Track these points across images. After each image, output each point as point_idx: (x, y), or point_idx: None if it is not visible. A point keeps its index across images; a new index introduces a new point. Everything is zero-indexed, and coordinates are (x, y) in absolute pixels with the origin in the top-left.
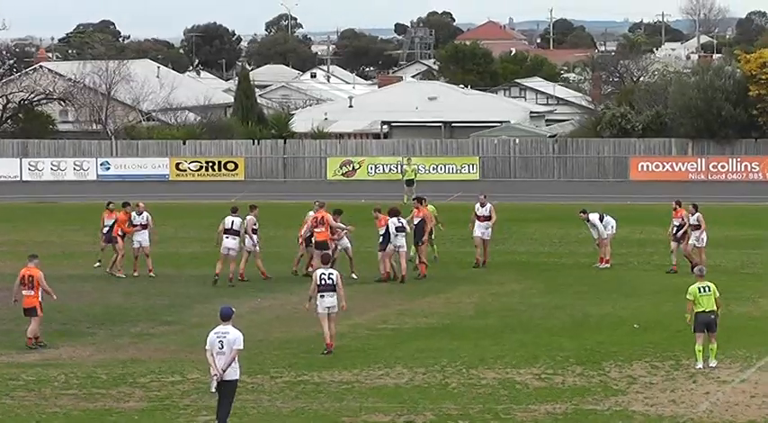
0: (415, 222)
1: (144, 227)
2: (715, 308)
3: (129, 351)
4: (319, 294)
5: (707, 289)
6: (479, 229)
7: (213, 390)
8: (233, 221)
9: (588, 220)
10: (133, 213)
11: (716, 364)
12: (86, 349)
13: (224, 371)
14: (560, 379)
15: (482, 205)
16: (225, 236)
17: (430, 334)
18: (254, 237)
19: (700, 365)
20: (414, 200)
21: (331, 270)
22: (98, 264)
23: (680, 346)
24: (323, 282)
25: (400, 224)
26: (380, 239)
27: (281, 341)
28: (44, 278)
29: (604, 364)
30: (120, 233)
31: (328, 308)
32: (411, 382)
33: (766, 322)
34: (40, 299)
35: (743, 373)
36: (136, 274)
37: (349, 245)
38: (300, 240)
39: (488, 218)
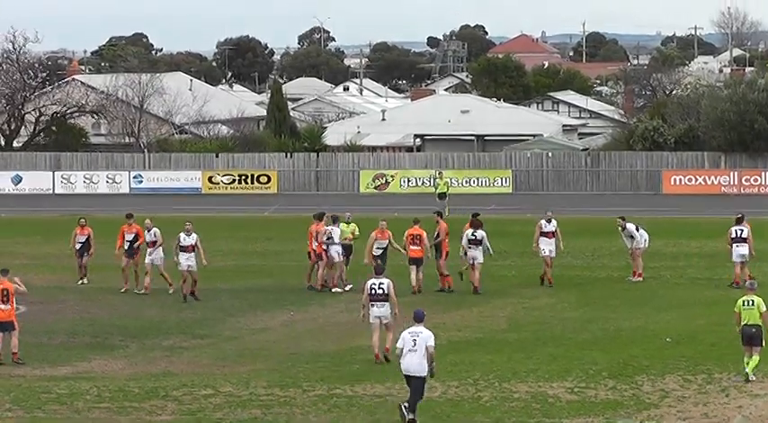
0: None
1: (154, 244)
2: (758, 322)
3: (161, 364)
4: (371, 304)
5: (751, 303)
6: (547, 247)
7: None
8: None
9: (625, 229)
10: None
11: (755, 378)
12: (118, 362)
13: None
14: (593, 392)
15: (548, 221)
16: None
17: (463, 347)
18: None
19: (752, 377)
20: (435, 214)
21: (382, 279)
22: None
23: (712, 360)
24: (373, 291)
25: (474, 237)
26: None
27: (314, 354)
28: (19, 285)
29: (637, 378)
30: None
31: (379, 317)
32: (444, 395)
33: None
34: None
35: None
36: (143, 291)
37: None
38: (312, 254)
39: (554, 234)
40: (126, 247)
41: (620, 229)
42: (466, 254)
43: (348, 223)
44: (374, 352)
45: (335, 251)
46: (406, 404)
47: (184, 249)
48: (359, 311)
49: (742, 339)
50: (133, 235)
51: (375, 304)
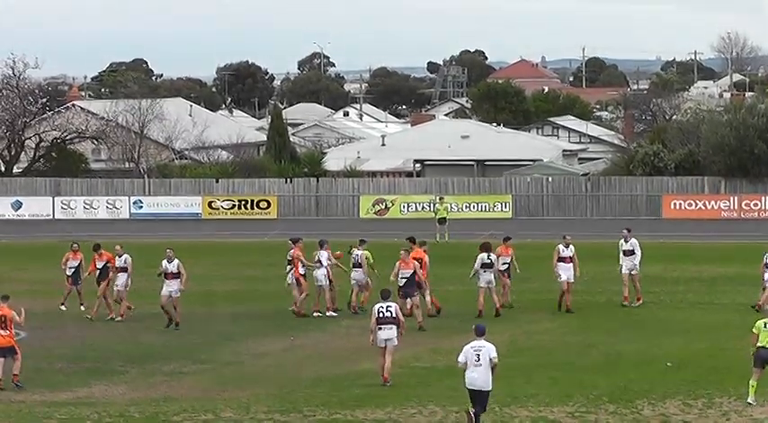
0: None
1: (124, 270)
2: None
3: (161, 389)
4: (378, 327)
5: None
6: (565, 273)
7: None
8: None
9: (628, 240)
10: (115, 256)
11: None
12: (119, 387)
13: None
14: (593, 417)
15: (566, 246)
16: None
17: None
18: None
19: (751, 400)
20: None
21: (389, 303)
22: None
23: (713, 384)
24: (381, 315)
25: (489, 261)
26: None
27: (314, 379)
28: (18, 316)
29: (638, 402)
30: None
31: (386, 340)
32: (444, 420)
33: None
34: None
35: None
36: (118, 318)
37: (323, 280)
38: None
39: (572, 259)
40: (97, 275)
41: (623, 240)
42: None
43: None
44: (382, 375)
45: (322, 274)
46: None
47: (168, 276)
48: (360, 337)
49: (755, 361)
50: (104, 263)
51: (383, 327)
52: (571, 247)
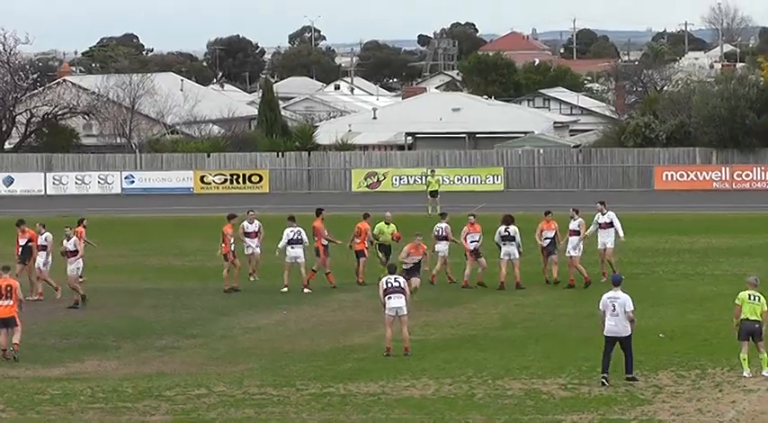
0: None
1: (44, 248)
2: (760, 318)
3: (154, 364)
4: (387, 297)
5: (756, 298)
6: (570, 246)
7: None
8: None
9: (605, 213)
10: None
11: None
12: (112, 363)
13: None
14: (586, 389)
15: (572, 219)
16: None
17: (456, 345)
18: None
19: (746, 374)
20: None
21: (396, 275)
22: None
23: (706, 356)
24: (389, 285)
25: (506, 234)
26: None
27: (307, 353)
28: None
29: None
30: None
31: (396, 309)
32: (437, 393)
33: None
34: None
35: None
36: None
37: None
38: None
39: (578, 233)
40: (19, 253)
41: (599, 214)
42: (475, 252)
43: (388, 224)
44: (386, 345)
45: (300, 253)
46: (605, 377)
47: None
48: (353, 311)
49: (740, 334)
50: (26, 240)
51: (392, 296)
52: (578, 219)
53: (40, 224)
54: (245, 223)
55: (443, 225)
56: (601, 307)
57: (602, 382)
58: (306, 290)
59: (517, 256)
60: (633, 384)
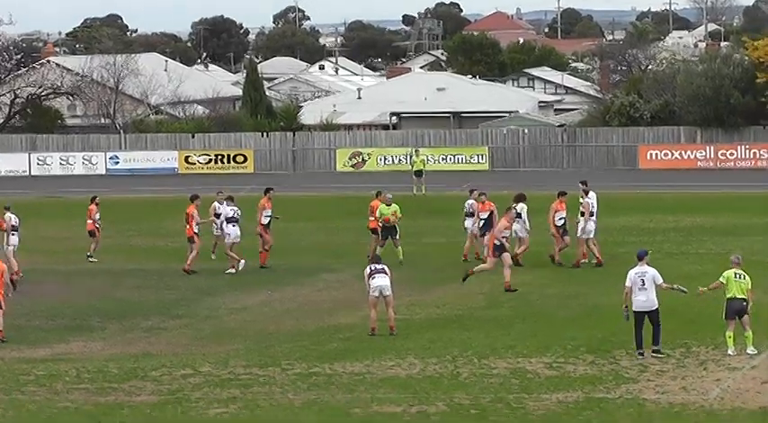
0: (483, 216)
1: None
2: (746, 296)
3: (139, 345)
4: (371, 276)
5: (742, 276)
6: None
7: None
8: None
9: (587, 195)
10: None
11: (755, 351)
12: (97, 344)
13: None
14: (572, 368)
15: (583, 199)
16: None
17: (441, 324)
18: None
19: (731, 351)
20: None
21: (381, 265)
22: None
23: (690, 334)
24: (373, 268)
25: (515, 211)
26: (481, 223)
27: (293, 333)
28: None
29: (615, 353)
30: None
31: (380, 289)
32: (422, 372)
33: None
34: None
35: (753, 360)
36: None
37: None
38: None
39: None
40: None
41: (590, 198)
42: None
43: (389, 205)
44: (371, 325)
45: (236, 233)
46: (641, 352)
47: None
48: (337, 291)
49: (727, 312)
50: None
51: (376, 276)
52: (593, 194)
53: (4, 207)
54: (216, 204)
55: (471, 201)
56: (628, 283)
57: (639, 356)
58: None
59: (522, 235)
60: (619, 364)
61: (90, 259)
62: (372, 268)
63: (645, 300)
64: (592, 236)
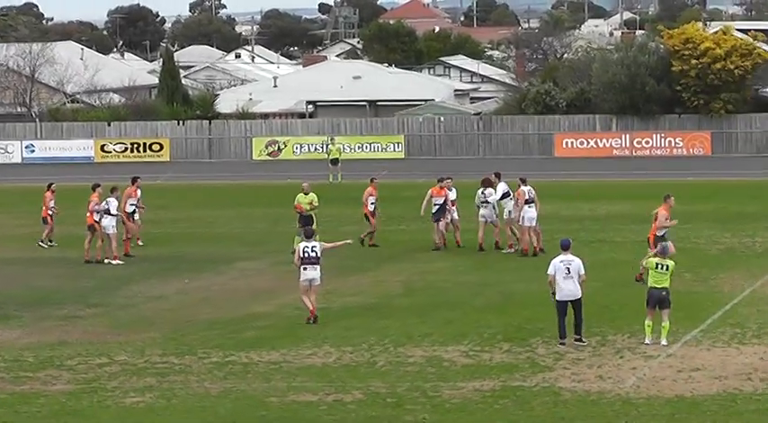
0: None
1: None
2: (668, 286)
3: (56, 333)
4: (302, 267)
5: (665, 267)
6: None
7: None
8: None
9: (524, 184)
10: None
11: (667, 343)
12: (13, 332)
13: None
14: (488, 356)
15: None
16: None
17: (357, 313)
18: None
19: (648, 340)
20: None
21: (314, 243)
22: None
23: (606, 322)
24: (306, 255)
25: (483, 196)
26: (434, 210)
27: (209, 322)
28: None
29: (531, 341)
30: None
31: (310, 280)
32: (339, 361)
33: (691, 297)
34: None
35: (669, 348)
36: None
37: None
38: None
39: (530, 202)
40: None
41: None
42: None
43: (306, 194)
44: (309, 309)
45: (111, 224)
46: (563, 343)
47: None
48: (254, 278)
49: (648, 301)
50: None
51: (308, 267)
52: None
53: None
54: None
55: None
56: (551, 271)
57: (561, 345)
58: (115, 261)
59: (492, 219)
60: (535, 352)
61: (41, 245)
62: (305, 255)
63: (571, 288)
64: (534, 224)
